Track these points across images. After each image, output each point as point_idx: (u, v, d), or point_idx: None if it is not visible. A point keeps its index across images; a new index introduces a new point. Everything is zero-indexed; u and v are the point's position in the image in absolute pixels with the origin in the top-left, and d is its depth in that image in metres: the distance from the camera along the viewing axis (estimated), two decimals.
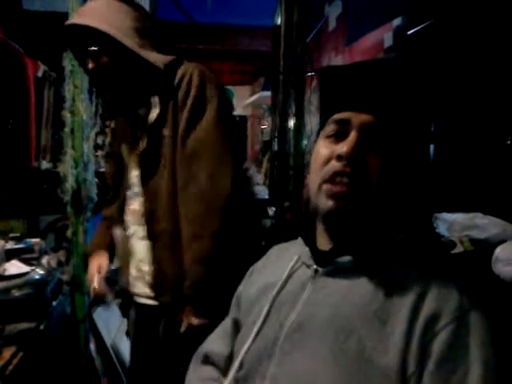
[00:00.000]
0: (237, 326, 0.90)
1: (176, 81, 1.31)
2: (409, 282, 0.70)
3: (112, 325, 2.23)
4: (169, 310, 1.35)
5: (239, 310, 0.91)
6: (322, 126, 0.82)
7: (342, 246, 0.77)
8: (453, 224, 1.53)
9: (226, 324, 0.94)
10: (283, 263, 0.86)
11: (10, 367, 1.13)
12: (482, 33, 1.94)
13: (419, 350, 0.64)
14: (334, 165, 0.74)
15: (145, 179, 1.36)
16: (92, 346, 1.91)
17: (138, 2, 1.43)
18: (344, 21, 3.90)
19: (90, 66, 1.32)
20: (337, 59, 3.98)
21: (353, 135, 0.75)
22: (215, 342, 0.93)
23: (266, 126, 5.59)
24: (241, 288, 0.95)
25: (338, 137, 0.77)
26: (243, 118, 6.84)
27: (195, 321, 1.27)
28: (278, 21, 2.76)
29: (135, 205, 1.41)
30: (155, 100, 1.33)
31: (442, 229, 1.56)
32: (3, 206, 2.85)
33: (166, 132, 1.32)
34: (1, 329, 1.19)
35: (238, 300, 0.93)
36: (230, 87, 5.86)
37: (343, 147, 0.74)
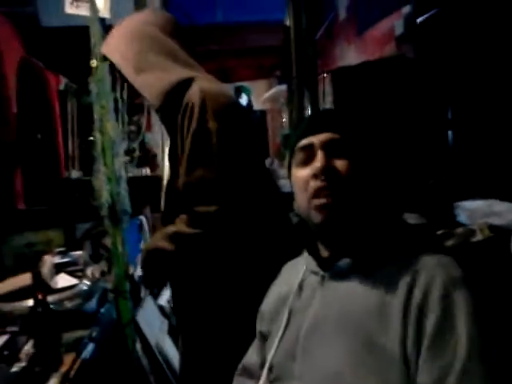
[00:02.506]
0: (263, 338, 1.02)
1: (182, 107, 1.29)
2: (400, 273, 0.81)
3: (154, 325, 2.36)
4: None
5: (262, 323, 1.03)
6: (290, 156, 0.95)
7: (339, 250, 0.89)
8: (473, 212, 1.59)
9: (256, 339, 1.07)
10: (294, 275, 0.98)
11: (72, 372, 1.26)
12: (490, 21, 1.96)
13: (415, 331, 0.74)
14: (313, 184, 0.87)
15: (166, 214, 1.40)
16: (138, 347, 2.04)
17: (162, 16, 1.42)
18: (354, 10, 3.93)
19: None
20: (349, 49, 4.02)
21: (319, 154, 0.87)
22: (249, 355, 1.06)
23: (285, 119, 5.64)
24: (262, 305, 1.06)
25: (308, 161, 0.90)
26: (263, 113, 6.88)
27: None
28: (287, 21, 2.82)
29: None
30: (163, 127, 1.40)
31: (462, 217, 1.62)
32: (41, 218, 3.01)
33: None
34: (59, 337, 1.31)
35: (261, 315, 1.05)
36: (246, 84, 5.92)
37: (315, 167, 0.86)
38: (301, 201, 0.91)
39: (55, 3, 3.52)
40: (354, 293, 0.84)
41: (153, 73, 1.32)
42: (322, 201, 0.85)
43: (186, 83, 1.31)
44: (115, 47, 1.37)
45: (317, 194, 0.86)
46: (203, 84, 1.31)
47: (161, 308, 2.66)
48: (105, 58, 1.47)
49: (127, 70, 1.34)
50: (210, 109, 1.25)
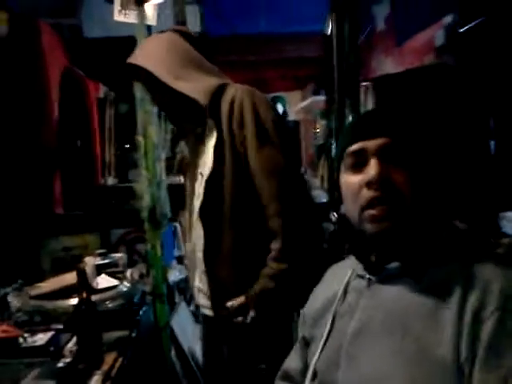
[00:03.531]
0: (306, 343, 1.00)
1: (226, 105, 1.39)
2: (453, 278, 0.77)
3: (187, 330, 2.37)
4: (227, 322, 1.40)
5: (305, 327, 1.01)
6: (339, 159, 0.91)
7: (387, 253, 0.86)
8: None
9: (298, 342, 1.05)
10: (339, 279, 0.96)
11: (113, 371, 1.28)
12: None
13: (469, 339, 0.71)
14: (367, 192, 0.83)
15: (206, 204, 1.43)
16: (172, 352, 2.05)
17: (188, 31, 1.54)
18: (392, 21, 3.89)
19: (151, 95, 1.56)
20: (387, 60, 3.98)
21: (374, 161, 0.83)
22: (291, 359, 1.04)
23: (318, 129, 5.63)
24: (304, 308, 1.04)
25: (359, 166, 0.85)
26: (296, 123, 6.89)
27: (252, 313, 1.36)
28: (328, 30, 2.82)
29: (197, 223, 1.47)
30: (210, 122, 1.43)
31: (507, 228, 1.58)
32: (78, 223, 3.10)
33: (228, 156, 1.39)
34: (101, 336, 1.33)
35: (304, 319, 1.03)
36: (282, 94, 5.95)
37: (370, 174, 0.82)
38: (351, 208, 0.87)
39: (98, 15, 3.66)
40: (403, 296, 0.81)
41: (191, 80, 1.41)
42: (377, 213, 0.82)
43: (223, 87, 1.43)
44: (148, 56, 1.44)
45: (370, 203, 0.82)
46: (239, 85, 1.44)
47: (194, 313, 2.67)
48: (130, 70, 1.51)
49: (167, 76, 1.40)
50: (259, 100, 1.39)
